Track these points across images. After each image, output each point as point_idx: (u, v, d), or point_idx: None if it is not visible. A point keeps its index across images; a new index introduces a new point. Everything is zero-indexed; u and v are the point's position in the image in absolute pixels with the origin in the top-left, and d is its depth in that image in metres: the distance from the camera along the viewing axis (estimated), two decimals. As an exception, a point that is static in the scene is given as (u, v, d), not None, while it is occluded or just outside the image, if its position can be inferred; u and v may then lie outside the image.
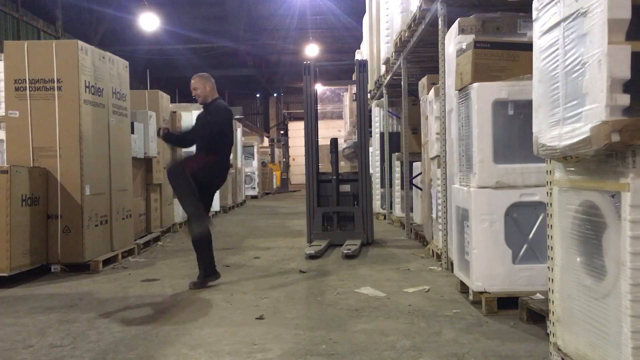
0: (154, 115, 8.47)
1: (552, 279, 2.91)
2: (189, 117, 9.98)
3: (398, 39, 7.48)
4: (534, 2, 2.85)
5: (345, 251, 6.67)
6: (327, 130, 17.65)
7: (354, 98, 8.64)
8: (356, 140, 8.97)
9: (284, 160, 28.58)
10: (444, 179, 5.56)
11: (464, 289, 4.55)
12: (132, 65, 7.80)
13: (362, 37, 13.28)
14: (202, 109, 5.49)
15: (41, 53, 5.86)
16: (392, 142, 10.31)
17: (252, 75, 27.98)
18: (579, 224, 2.60)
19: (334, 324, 3.87)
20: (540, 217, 3.94)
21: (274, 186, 24.29)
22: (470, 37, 4.50)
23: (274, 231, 9.68)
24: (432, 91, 6.20)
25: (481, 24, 4.90)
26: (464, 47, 4.32)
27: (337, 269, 5.94)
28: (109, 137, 6.53)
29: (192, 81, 5.32)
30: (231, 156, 5.64)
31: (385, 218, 10.93)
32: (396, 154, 9.77)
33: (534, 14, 2.85)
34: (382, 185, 11.01)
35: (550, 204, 2.91)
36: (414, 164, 8.18)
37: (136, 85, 18.61)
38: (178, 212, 10.05)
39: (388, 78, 9.29)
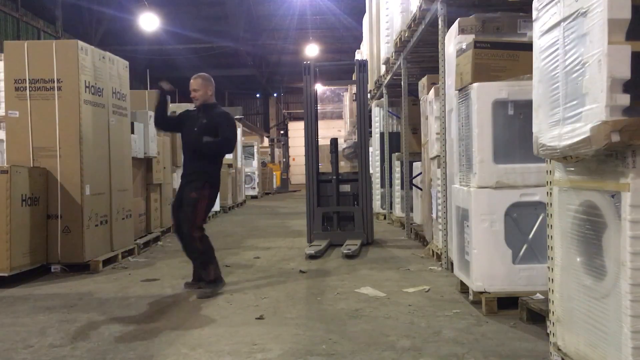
0: (154, 115, 8.46)
1: (552, 279, 2.91)
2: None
3: (398, 39, 7.48)
4: (534, 2, 2.85)
5: (345, 251, 6.67)
6: (327, 130, 17.66)
7: (354, 98, 8.64)
8: (356, 140, 8.97)
9: (284, 160, 28.58)
10: (444, 179, 5.56)
11: (464, 289, 4.55)
12: (132, 65, 7.80)
13: (362, 37, 13.27)
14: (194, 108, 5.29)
15: (41, 53, 5.85)
16: (392, 142, 10.32)
17: (252, 75, 27.99)
18: (579, 224, 2.60)
19: (334, 324, 3.87)
20: (540, 217, 3.94)
21: (274, 186, 24.28)
22: (470, 37, 4.50)
23: (274, 231, 9.68)
24: (432, 91, 6.19)
25: (481, 24, 4.91)
26: (464, 47, 4.32)
27: (337, 269, 5.94)
28: (109, 137, 6.53)
29: (193, 81, 5.12)
30: (231, 156, 5.60)
31: (385, 218, 10.93)
32: (396, 154, 9.77)
33: (534, 14, 2.85)
34: (382, 185, 11.01)
35: (550, 204, 2.91)
36: (414, 164, 8.18)
37: (136, 85, 18.58)
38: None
39: (388, 78, 9.29)
